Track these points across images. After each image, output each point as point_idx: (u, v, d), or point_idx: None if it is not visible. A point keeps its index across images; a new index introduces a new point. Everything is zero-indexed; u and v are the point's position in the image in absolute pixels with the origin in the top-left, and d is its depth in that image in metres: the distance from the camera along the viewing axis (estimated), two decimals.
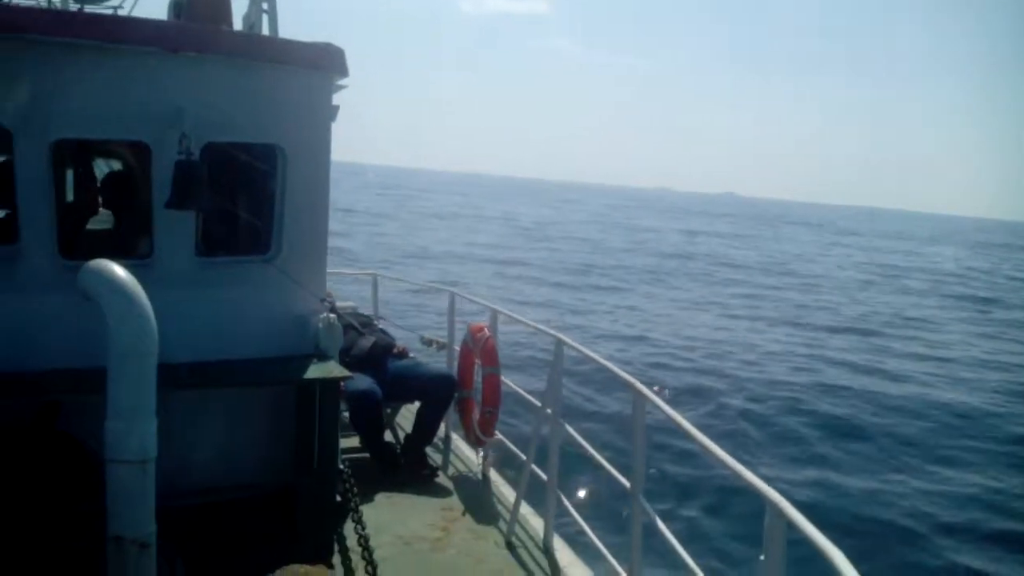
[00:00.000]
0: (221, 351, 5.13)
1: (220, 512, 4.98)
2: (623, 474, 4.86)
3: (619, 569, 4.60)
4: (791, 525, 2.96)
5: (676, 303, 35.32)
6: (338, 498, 5.36)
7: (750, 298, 38.38)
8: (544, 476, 5.94)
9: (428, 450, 7.51)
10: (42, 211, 4.88)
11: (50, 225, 4.89)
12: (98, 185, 6.19)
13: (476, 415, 7.32)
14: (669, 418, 4.20)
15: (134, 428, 3.84)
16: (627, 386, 4.69)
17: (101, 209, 6.17)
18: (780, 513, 2.99)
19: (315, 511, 5.18)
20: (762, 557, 3.05)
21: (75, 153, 5.88)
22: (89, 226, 6.02)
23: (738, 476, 3.46)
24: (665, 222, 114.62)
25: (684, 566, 3.93)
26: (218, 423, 5.26)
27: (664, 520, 4.30)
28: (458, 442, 8.11)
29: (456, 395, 7.50)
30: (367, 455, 7.19)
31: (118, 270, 3.99)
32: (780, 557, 3.02)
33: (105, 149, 6.12)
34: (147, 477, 3.90)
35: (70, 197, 6.15)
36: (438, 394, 7.38)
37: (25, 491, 4.47)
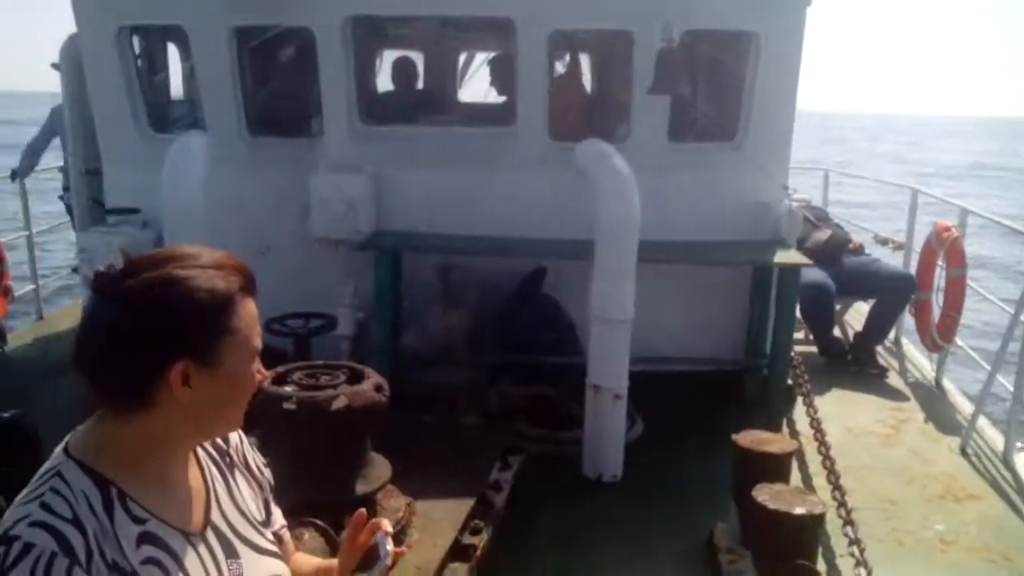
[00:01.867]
0: (686, 231, 5.42)
1: (677, 381, 5.34)
2: None
3: None
4: None
5: None
6: (789, 383, 5.49)
7: None
8: (1009, 387, 5.52)
9: (877, 350, 7.28)
10: (537, 97, 5.46)
11: (543, 109, 5.47)
12: (580, 74, 6.72)
13: (934, 318, 6.93)
14: None
15: (617, 292, 4.29)
16: None
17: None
18: None
19: (767, 392, 5.37)
20: None
21: (564, 44, 6.42)
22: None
23: None
24: None
25: None
26: (680, 299, 5.59)
27: None
28: (908, 345, 7.75)
29: (913, 296, 7.15)
30: (814, 348, 7.17)
31: (611, 151, 4.39)
32: None
33: (588, 39, 6.60)
34: (625, 336, 4.34)
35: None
36: (895, 293, 7.08)
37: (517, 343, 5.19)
